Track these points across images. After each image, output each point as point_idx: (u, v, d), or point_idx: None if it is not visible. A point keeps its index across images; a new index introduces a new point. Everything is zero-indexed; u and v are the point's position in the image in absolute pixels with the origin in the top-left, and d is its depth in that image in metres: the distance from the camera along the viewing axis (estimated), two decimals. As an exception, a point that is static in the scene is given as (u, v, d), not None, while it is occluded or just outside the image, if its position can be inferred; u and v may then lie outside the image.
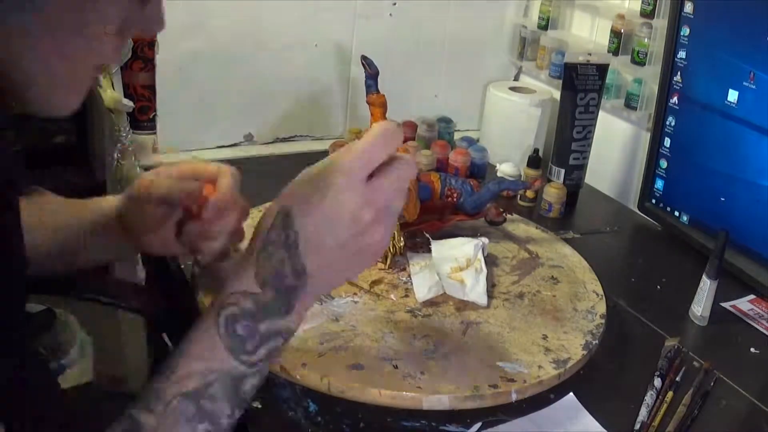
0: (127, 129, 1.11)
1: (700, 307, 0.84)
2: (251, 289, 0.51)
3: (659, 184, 1.07)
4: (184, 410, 0.49)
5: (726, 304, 0.89)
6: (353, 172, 0.51)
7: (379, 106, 0.90)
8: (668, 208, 1.06)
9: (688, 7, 0.98)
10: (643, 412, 0.68)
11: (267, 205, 0.98)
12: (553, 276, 0.87)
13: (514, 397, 0.67)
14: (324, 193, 0.51)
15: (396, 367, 0.68)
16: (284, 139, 1.29)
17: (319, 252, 0.51)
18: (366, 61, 0.89)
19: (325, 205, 0.51)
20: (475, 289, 0.79)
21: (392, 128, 0.53)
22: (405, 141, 1.23)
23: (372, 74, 0.89)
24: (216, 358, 0.50)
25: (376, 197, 0.52)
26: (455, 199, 0.90)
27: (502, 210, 0.93)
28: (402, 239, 0.85)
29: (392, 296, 0.80)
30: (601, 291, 0.85)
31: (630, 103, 1.16)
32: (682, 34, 1.00)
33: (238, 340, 0.50)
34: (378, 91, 0.90)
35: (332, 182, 0.51)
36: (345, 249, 0.52)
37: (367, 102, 0.90)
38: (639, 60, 1.12)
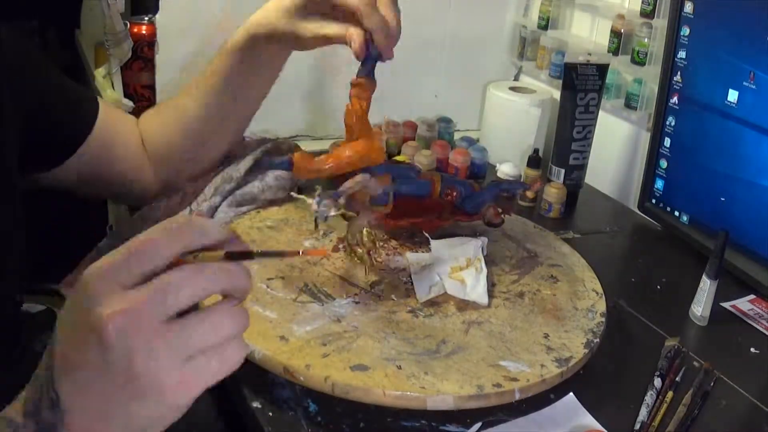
0: (128, 129, 1.11)
1: (700, 307, 0.85)
2: (13, 417, 0.42)
3: (659, 184, 1.08)
4: None
5: (726, 304, 0.89)
6: (95, 272, 0.40)
7: (366, 89, 0.79)
8: (668, 208, 1.07)
9: (688, 7, 0.98)
10: (643, 412, 0.68)
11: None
12: (552, 275, 0.87)
13: (517, 396, 0.67)
14: (70, 303, 0.42)
15: (400, 367, 0.68)
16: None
17: (71, 375, 0.41)
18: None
19: (66, 318, 0.42)
20: (475, 289, 0.79)
21: (177, 223, 0.42)
22: (405, 141, 1.23)
23: (374, 56, 0.81)
24: None
25: (135, 308, 0.39)
26: (454, 198, 0.90)
27: (500, 211, 0.93)
28: (381, 250, 0.85)
29: (393, 296, 0.80)
30: (600, 289, 0.85)
31: (630, 103, 1.16)
32: (682, 34, 1.00)
33: None
34: (372, 78, 0.79)
35: (77, 290, 0.41)
36: (102, 372, 0.40)
37: (353, 84, 0.78)
38: (639, 60, 1.12)
